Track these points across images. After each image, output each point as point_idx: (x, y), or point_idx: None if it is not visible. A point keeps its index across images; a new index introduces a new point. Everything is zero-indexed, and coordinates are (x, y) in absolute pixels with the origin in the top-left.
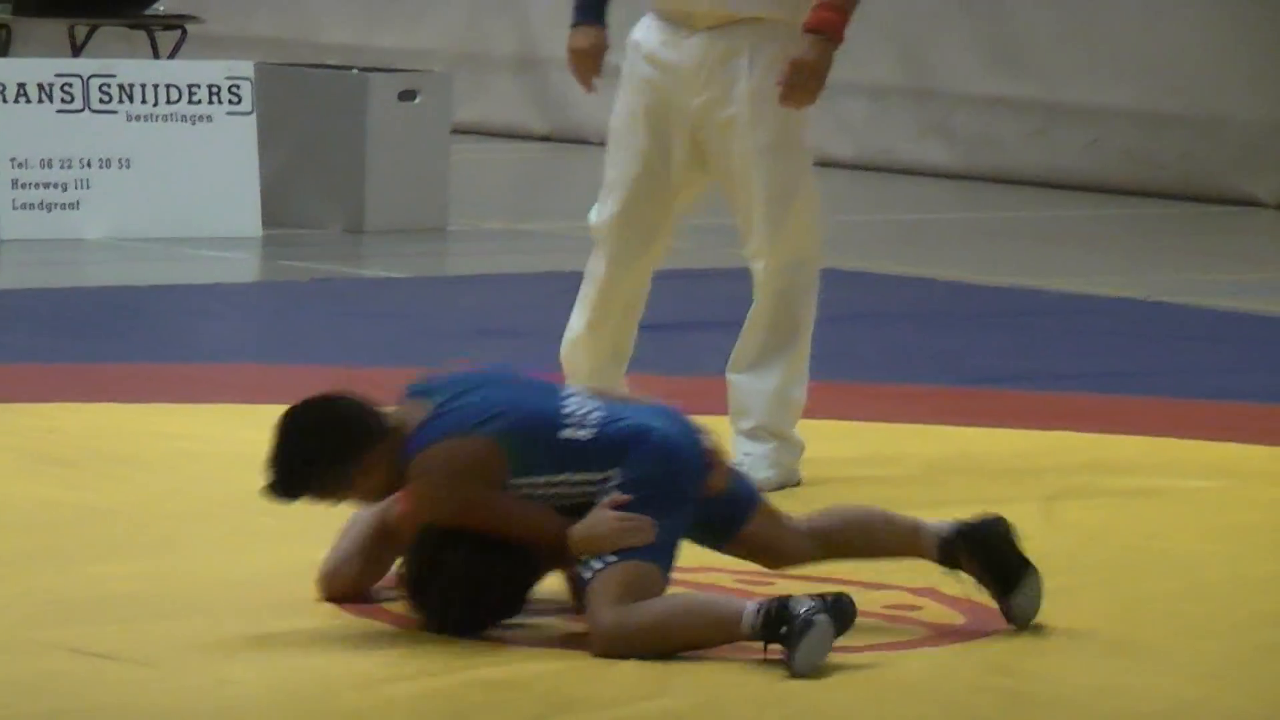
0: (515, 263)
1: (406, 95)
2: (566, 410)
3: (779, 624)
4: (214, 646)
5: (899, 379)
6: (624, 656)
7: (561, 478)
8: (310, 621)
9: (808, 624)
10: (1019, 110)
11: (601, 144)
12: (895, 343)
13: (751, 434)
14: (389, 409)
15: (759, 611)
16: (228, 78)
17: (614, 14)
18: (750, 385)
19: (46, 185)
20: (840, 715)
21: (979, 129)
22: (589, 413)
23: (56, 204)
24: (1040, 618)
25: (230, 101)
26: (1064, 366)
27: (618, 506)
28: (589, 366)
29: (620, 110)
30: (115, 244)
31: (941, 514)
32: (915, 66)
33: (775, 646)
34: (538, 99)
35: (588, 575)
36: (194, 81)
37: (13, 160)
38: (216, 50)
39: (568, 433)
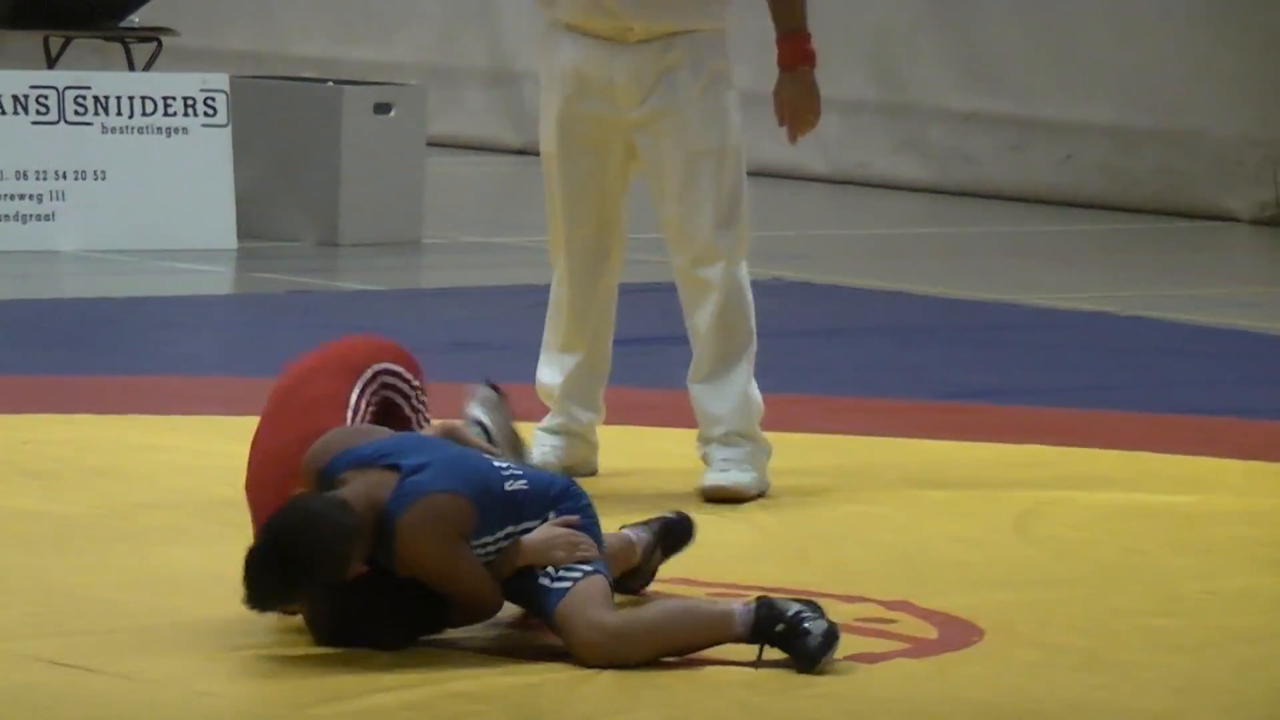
0: (490, 275)
1: (381, 108)
2: (497, 464)
3: (772, 622)
4: (191, 658)
5: (873, 393)
6: (622, 661)
7: (504, 533)
8: (286, 634)
9: (831, 634)
10: (994, 125)
11: None
12: (869, 357)
13: (726, 439)
14: (347, 490)
15: (749, 611)
16: (203, 90)
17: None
18: (716, 392)
19: (21, 197)
20: None
21: (953, 144)
22: (508, 465)
23: (31, 216)
24: (1014, 632)
25: (205, 114)
26: (1038, 381)
27: (567, 526)
28: (564, 390)
29: (550, 135)
30: (90, 256)
31: (920, 527)
32: (890, 81)
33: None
34: (511, 112)
35: (565, 585)
36: (169, 94)
37: None
38: (191, 63)
39: (509, 485)
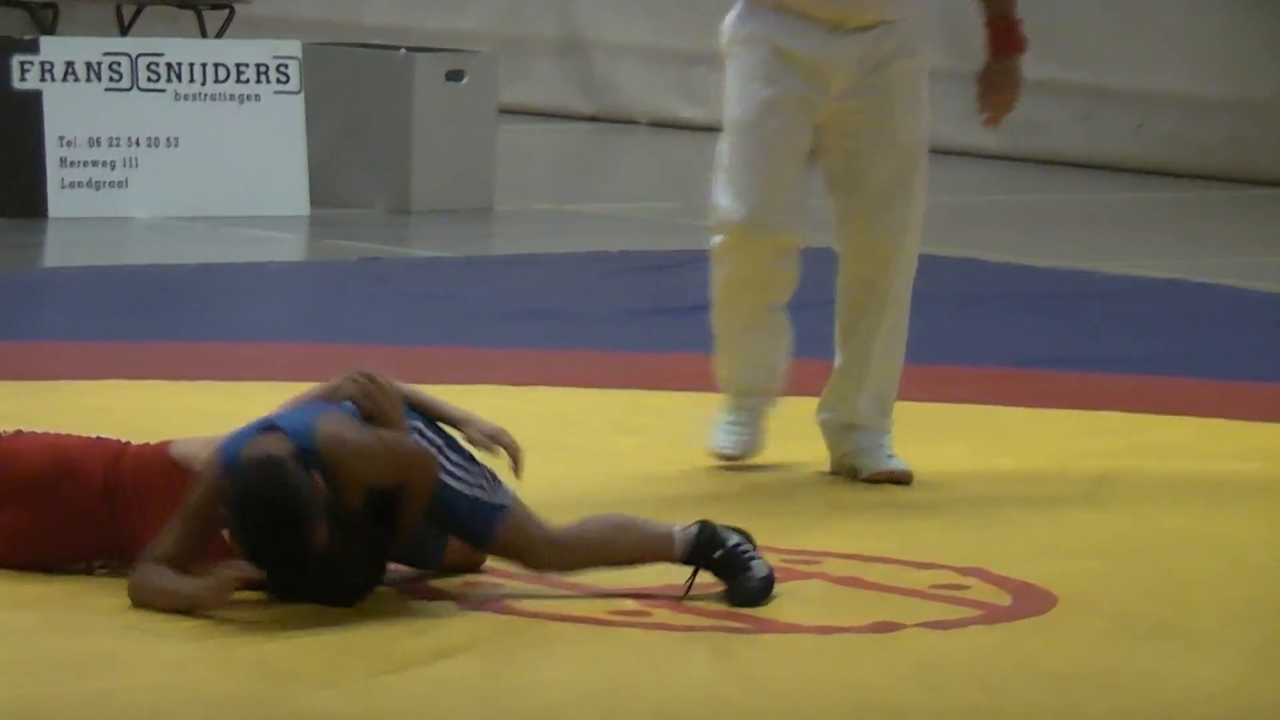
0: (561, 243)
1: (453, 75)
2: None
3: (711, 548)
4: (263, 625)
5: (944, 361)
6: (572, 568)
7: None
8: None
9: (769, 580)
10: (1065, 94)
11: (649, 125)
12: (941, 324)
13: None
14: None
15: (688, 533)
16: (275, 57)
17: None
18: (890, 377)
19: (95, 164)
20: (885, 694)
21: (1025, 113)
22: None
23: (105, 183)
24: (1087, 599)
25: (278, 81)
26: (1110, 349)
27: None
28: (758, 372)
29: (748, 102)
30: (163, 223)
31: (992, 495)
32: (961, 50)
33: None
34: (582, 80)
35: (498, 514)
36: (242, 61)
37: (61, 139)
38: (263, 30)
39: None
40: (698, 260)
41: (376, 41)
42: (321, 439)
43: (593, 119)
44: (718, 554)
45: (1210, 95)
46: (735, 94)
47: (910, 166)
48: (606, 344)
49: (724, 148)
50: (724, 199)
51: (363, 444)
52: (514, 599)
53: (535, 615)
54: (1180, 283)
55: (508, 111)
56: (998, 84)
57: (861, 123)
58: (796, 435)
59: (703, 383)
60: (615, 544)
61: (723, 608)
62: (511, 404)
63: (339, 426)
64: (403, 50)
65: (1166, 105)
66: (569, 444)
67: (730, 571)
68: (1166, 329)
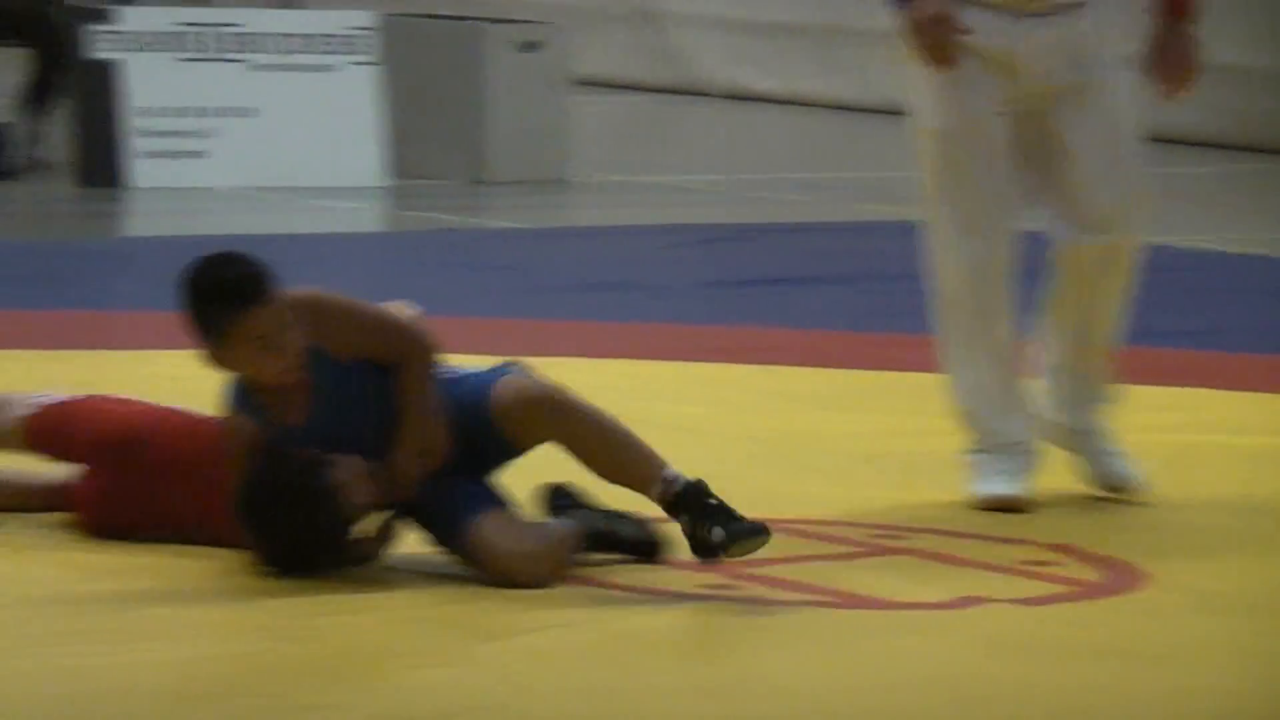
0: (634, 215)
1: (527, 47)
2: None
3: (704, 495)
4: (365, 589)
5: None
6: (557, 435)
7: None
8: (431, 567)
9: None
10: None
11: (725, 97)
12: None
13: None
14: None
15: (680, 478)
16: (351, 28)
17: None
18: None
19: (173, 134)
20: (969, 670)
21: None
22: None
23: (183, 153)
24: (1177, 577)
25: (354, 52)
26: (1171, 323)
27: None
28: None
29: (949, 113)
30: (241, 193)
31: (1048, 474)
32: None
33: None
34: (656, 52)
35: (512, 370)
36: (318, 32)
37: (140, 109)
38: (339, 1)
39: None
40: (768, 233)
41: (450, 13)
42: (292, 297)
43: (665, 90)
44: (713, 500)
45: (1253, 66)
46: (931, 102)
47: (1134, 155)
48: (676, 316)
49: (931, 163)
50: (947, 226)
51: (335, 299)
52: (607, 573)
53: (628, 588)
54: (1245, 256)
55: (580, 82)
56: (1170, 55)
57: (1061, 101)
58: (880, 411)
59: (772, 355)
60: (606, 440)
61: (809, 581)
62: (581, 376)
63: (313, 288)
64: (476, 21)
65: (1208, 76)
66: (635, 414)
67: (725, 518)
68: (1228, 302)
